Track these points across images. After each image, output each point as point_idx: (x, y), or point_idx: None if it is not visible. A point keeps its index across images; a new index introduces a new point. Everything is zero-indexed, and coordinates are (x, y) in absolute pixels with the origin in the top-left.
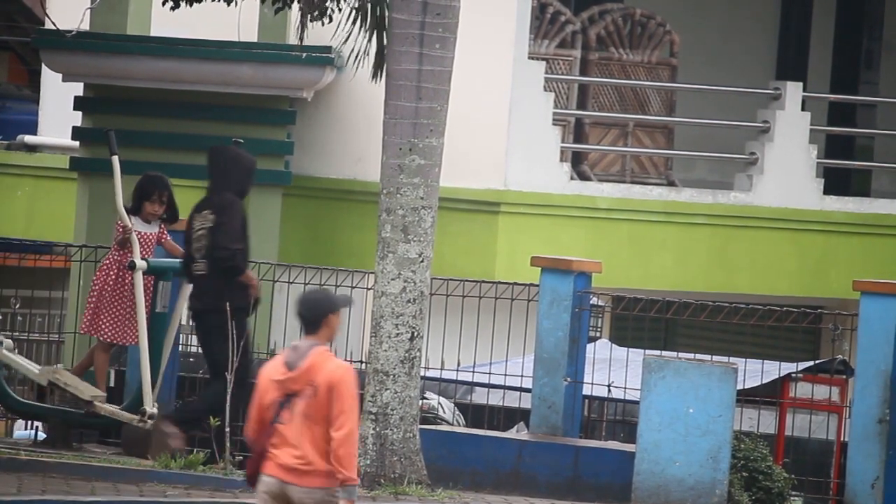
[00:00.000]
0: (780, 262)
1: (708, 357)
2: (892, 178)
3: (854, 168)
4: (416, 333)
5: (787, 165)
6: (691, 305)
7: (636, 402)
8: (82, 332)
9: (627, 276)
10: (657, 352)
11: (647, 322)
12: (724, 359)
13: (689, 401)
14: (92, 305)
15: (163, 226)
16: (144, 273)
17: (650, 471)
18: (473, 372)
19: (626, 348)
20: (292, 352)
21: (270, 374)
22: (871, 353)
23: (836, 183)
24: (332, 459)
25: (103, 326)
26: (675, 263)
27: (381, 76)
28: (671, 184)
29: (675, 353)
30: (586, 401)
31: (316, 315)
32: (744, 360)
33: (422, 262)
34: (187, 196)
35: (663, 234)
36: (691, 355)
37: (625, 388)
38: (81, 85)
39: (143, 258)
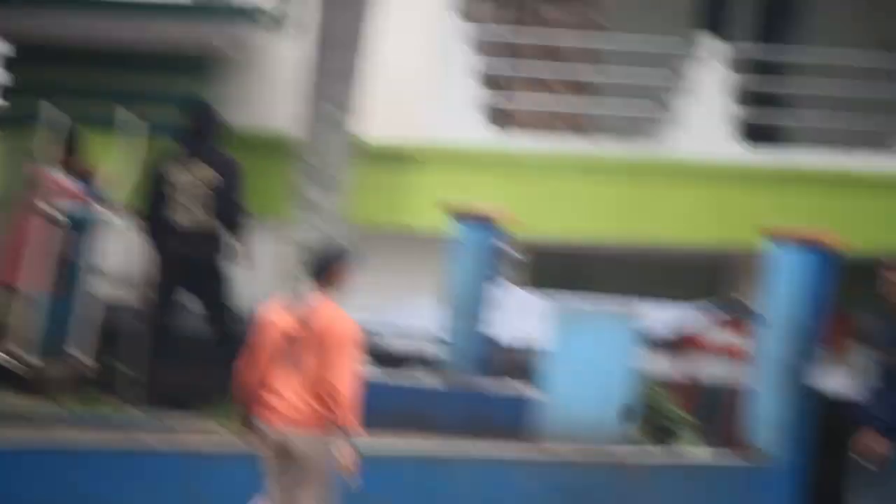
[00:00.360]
0: (692, 211)
1: (615, 304)
2: (805, 128)
3: (767, 119)
4: None
5: (703, 116)
6: (602, 253)
7: (545, 348)
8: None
9: (543, 225)
10: (567, 298)
11: (559, 270)
12: (631, 305)
13: (597, 345)
14: (11, 256)
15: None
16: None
17: (555, 414)
18: (381, 319)
19: (537, 295)
20: (298, 301)
21: (275, 321)
22: (777, 299)
23: (749, 133)
24: (333, 406)
25: (22, 276)
26: (589, 214)
27: (302, 32)
28: (589, 136)
29: (585, 299)
30: (496, 346)
31: (322, 266)
32: (651, 304)
33: (337, 212)
34: (111, 147)
35: (579, 186)
36: (600, 301)
37: (534, 333)
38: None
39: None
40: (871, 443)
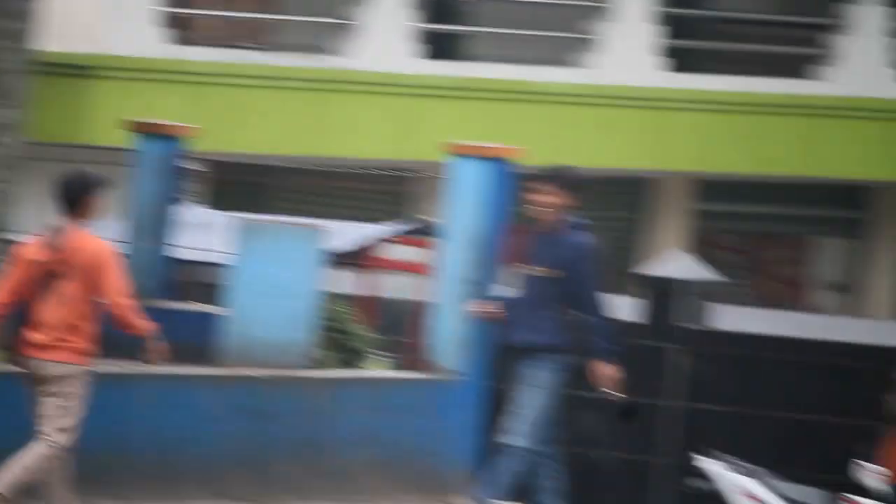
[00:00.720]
0: (374, 126)
1: (298, 220)
2: (485, 41)
3: (449, 32)
4: (7, 199)
5: (382, 29)
6: (286, 169)
7: (229, 265)
8: None
9: (225, 140)
10: (250, 215)
11: (243, 186)
12: (314, 221)
13: (279, 263)
14: None
15: None
16: None
17: (239, 332)
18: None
19: (220, 211)
20: (53, 232)
21: (30, 254)
22: (458, 214)
23: (431, 47)
24: (121, 325)
25: None
26: (273, 127)
27: None
28: (269, 48)
29: (269, 216)
30: (179, 264)
31: (74, 195)
32: (335, 222)
33: (15, 126)
34: None
35: (261, 99)
36: (284, 218)
37: (217, 251)
38: None
39: None
40: (602, 371)
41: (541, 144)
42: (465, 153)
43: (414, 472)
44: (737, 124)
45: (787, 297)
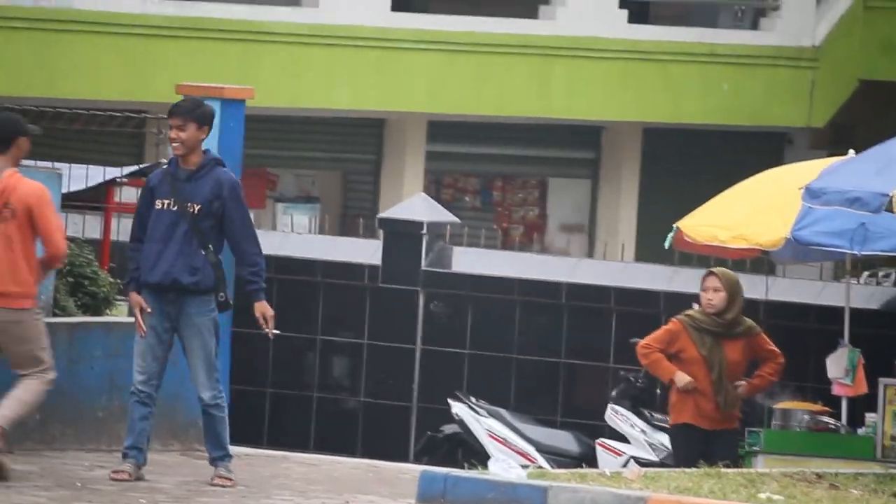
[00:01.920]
0: (104, 66)
1: (33, 163)
2: None
3: None
4: None
5: None
6: (14, 111)
7: None
8: None
9: None
10: None
11: None
12: (49, 164)
13: None
14: None
15: None
16: None
17: None
18: None
19: None
20: None
21: None
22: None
23: None
24: (55, 264)
25: None
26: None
27: None
28: None
29: None
30: None
31: (6, 136)
32: (69, 165)
33: None
34: None
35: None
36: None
37: None
38: None
39: None
40: (261, 309)
41: (272, 85)
42: (196, 94)
43: (164, 420)
44: (468, 65)
45: (526, 238)
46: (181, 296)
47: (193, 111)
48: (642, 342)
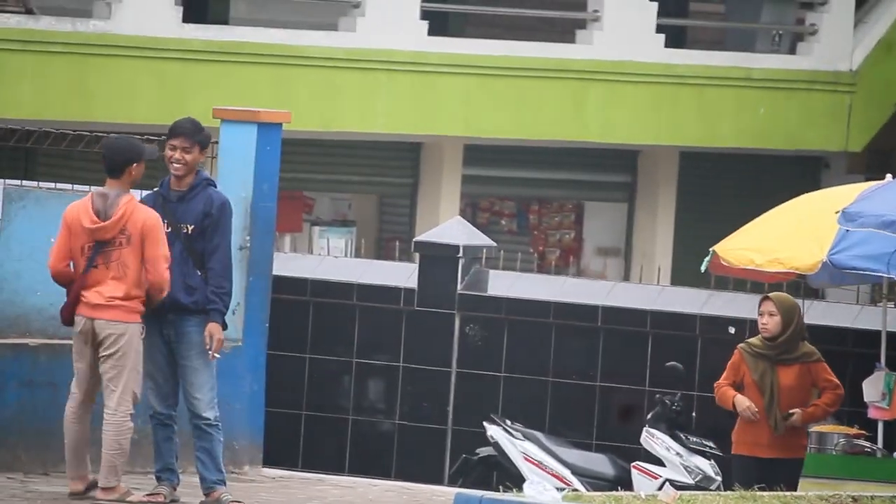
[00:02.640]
0: (140, 90)
1: (69, 186)
2: (249, 4)
3: None
4: None
5: None
6: (52, 134)
7: None
8: None
9: None
10: (17, 181)
11: (7, 152)
12: (86, 188)
13: (50, 230)
14: None
15: None
16: None
17: (10, 301)
18: None
19: None
20: (101, 199)
21: (81, 220)
22: (231, 180)
23: (194, 10)
24: (155, 293)
25: None
26: (34, 92)
27: None
28: (29, 12)
29: (36, 183)
30: None
31: (120, 162)
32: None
33: None
34: None
35: (22, 63)
36: (52, 184)
37: None
38: None
39: None
40: (215, 331)
41: (307, 109)
42: (233, 118)
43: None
44: (505, 88)
45: (562, 261)
46: (180, 316)
47: (199, 134)
48: (717, 382)
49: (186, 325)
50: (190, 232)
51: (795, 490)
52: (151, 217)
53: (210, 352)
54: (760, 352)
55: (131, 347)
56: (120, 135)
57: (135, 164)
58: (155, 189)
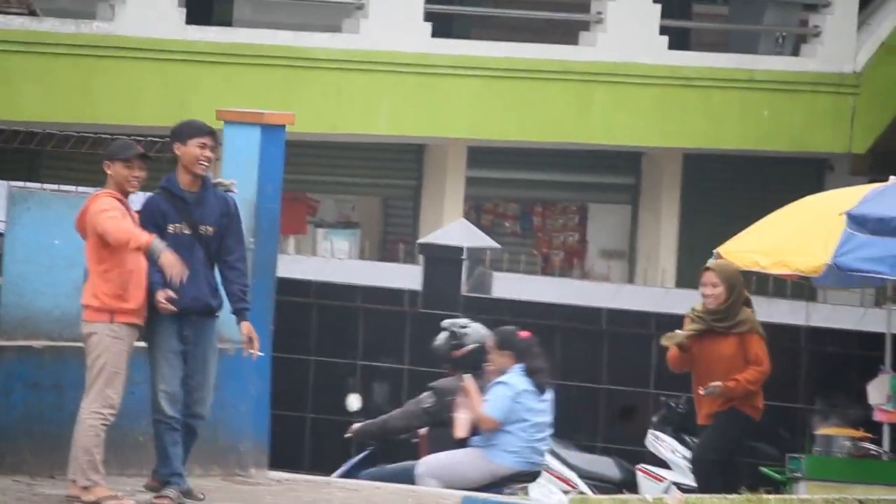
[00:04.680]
0: (144, 92)
1: (74, 188)
2: (253, 6)
3: None
4: None
5: None
6: (56, 136)
7: (0, 235)
8: None
9: None
10: (21, 183)
11: (11, 154)
12: (91, 189)
13: (55, 232)
14: None
15: None
16: None
17: (16, 303)
18: None
19: None
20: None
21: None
22: (235, 181)
23: (198, 12)
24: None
25: None
26: (37, 94)
27: None
28: (32, 13)
29: (40, 185)
30: None
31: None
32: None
33: None
34: None
35: (25, 64)
36: (57, 186)
37: None
38: None
39: None
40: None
41: (311, 111)
42: (237, 120)
43: (205, 445)
44: (508, 90)
45: (566, 264)
46: (203, 318)
47: (214, 132)
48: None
49: (208, 326)
50: (210, 233)
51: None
52: (94, 202)
53: (252, 351)
54: (702, 321)
55: (101, 348)
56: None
57: (106, 163)
58: (159, 190)
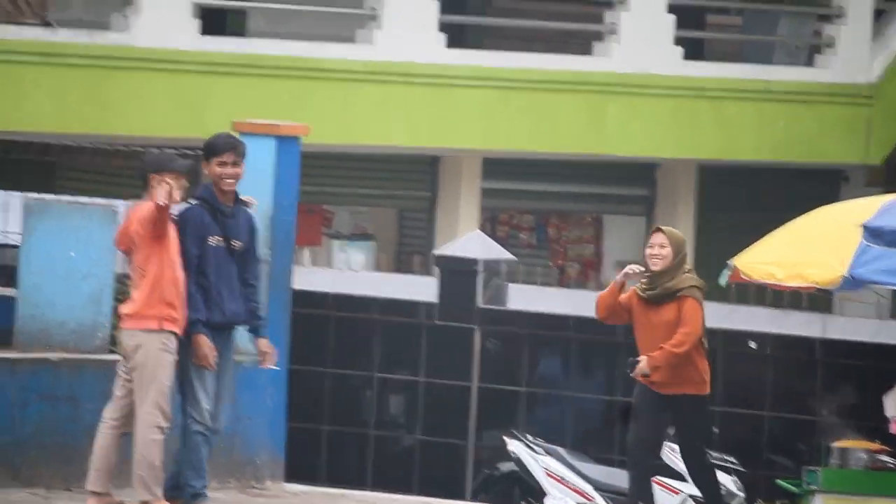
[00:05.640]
0: (158, 103)
1: (89, 200)
2: (267, 17)
3: (230, 7)
4: None
5: (162, 4)
6: (71, 148)
7: (16, 247)
8: None
9: (3, 118)
10: (37, 195)
11: (27, 165)
12: (106, 201)
13: (70, 243)
14: None
15: None
16: None
17: (31, 315)
18: None
19: (4, 191)
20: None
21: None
22: (251, 193)
23: (212, 23)
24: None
25: None
26: (52, 105)
27: None
28: (47, 24)
29: (56, 196)
30: None
31: (142, 173)
32: (123, 202)
33: None
34: None
35: (40, 76)
36: (72, 198)
37: (4, 231)
38: None
39: None
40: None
41: (325, 122)
42: (252, 131)
43: (222, 457)
44: (523, 101)
45: (582, 275)
46: (232, 331)
47: (244, 149)
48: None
49: (231, 340)
50: (239, 248)
51: (694, 422)
52: (136, 211)
53: (269, 365)
54: (643, 286)
55: (149, 358)
56: (158, 150)
57: (151, 175)
58: (197, 200)
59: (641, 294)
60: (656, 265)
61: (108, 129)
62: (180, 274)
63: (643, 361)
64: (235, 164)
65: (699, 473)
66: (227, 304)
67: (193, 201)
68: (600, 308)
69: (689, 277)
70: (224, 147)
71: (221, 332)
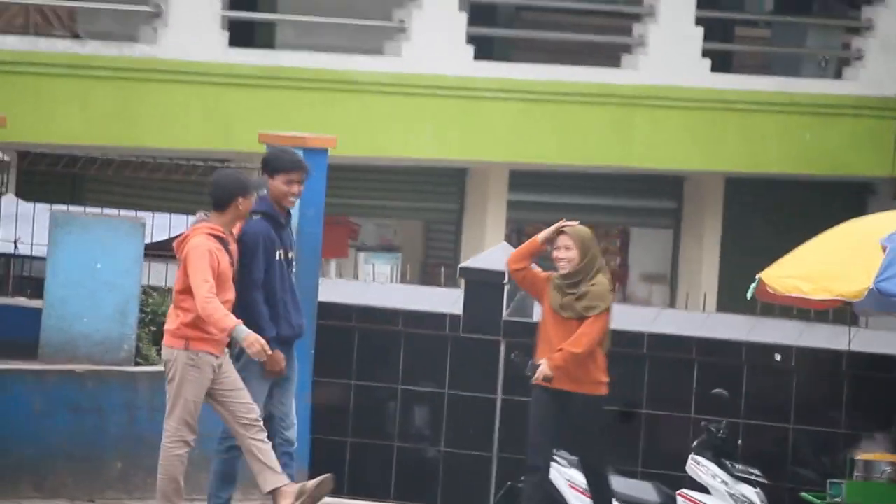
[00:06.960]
0: (186, 115)
1: (116, 212)
2: (295, 29)
3: (258, 20)
4: None
5: (190, 17)
6: (98, 160)
7: (43, 259)
8: None
9: (31, 130)
10: (64, 207)
11: (54, 177)
12: (132, 213)
13: (97, 256)
14: None
15: None
16: None
17: (57, 327)
18: None
19: (32, 203)
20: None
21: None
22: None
23: (240, 35)
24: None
25: None
26: (80, 117)
27: None
28: (76, 36)
29: (83, 208)
30: None
31: (223, 196)
32: (152, 214)
33: None
34: None
35: (68, 88)
36: (99, 210)
37: (32, 243)
38: None
39: None
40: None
41: (353, 134)
42: (280, 144)
43: (246, 470)
44: (550, 114)
45: None
46: (295, 343)
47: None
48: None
49: (295, 351)
50: (293, 259)
51: (587, 423)
52: (195, 241)
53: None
54: (559, 290)
55: (178, 375)
56: (228, 168)
57: (240, 199)
58: (259, 215)
59: (552, 305)
60: (564, 268)
61: (136, 142)
62: (231, 295)
63: (544, 364)
64: (301, 182)
65: (595, 480)
66: (294, 316)
67: (256, 216)
68: (514, 258)
69: (599, 287)
70: (294, 165)
71: (288, 345)
